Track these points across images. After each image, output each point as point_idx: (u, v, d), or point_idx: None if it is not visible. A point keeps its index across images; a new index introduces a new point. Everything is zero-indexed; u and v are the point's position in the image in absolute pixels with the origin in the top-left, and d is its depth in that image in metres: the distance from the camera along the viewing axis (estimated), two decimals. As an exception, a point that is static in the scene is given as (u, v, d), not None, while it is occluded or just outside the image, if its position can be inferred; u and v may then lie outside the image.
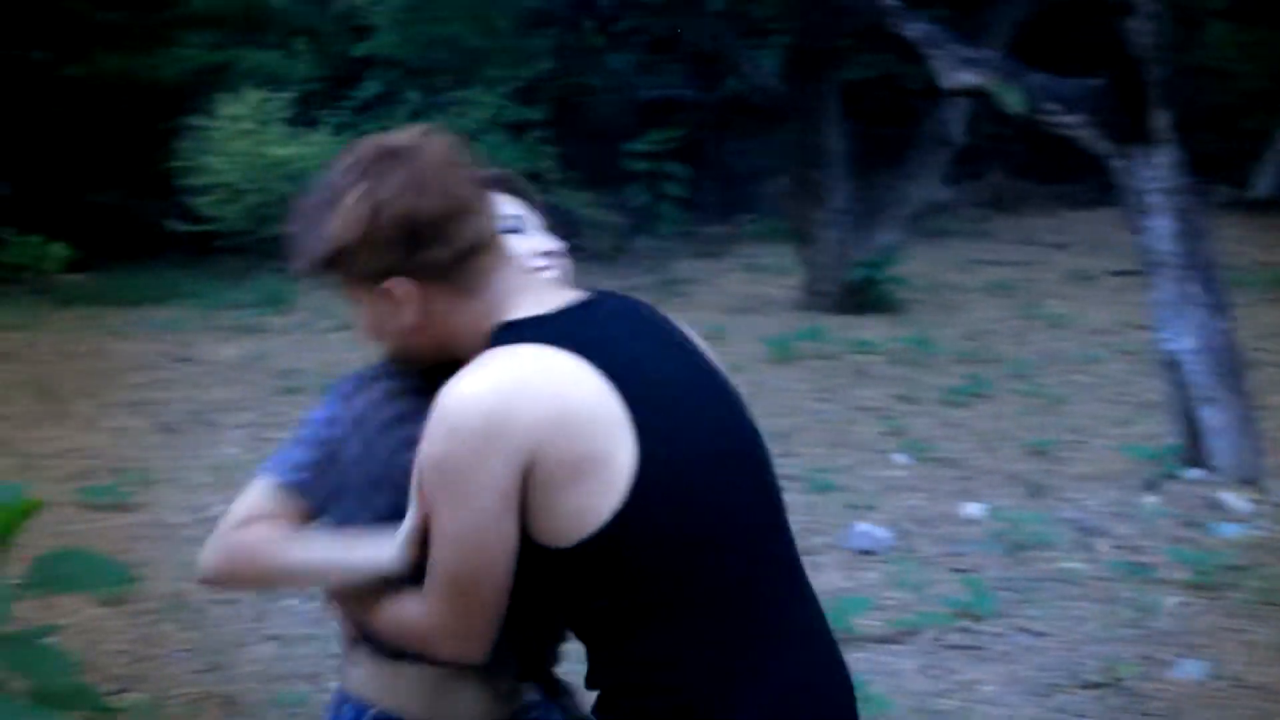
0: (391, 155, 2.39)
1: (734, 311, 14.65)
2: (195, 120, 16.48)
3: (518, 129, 17.94)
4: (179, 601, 6.76)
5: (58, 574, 5.08)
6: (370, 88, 18.59)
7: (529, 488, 2.26)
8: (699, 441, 2.38)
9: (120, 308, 14.73)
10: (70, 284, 16.11)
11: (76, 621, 6.31)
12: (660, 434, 2.30)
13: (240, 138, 16.30)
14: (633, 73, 20.23)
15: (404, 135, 2.45)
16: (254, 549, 2.56)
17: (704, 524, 2.35)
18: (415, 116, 17.99)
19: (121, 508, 8.32)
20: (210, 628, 6.55)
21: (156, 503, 8.46)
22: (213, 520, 7.85)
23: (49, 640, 5.11)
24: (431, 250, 2.36)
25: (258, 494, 2.61)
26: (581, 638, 2.45)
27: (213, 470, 9.03)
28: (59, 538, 6.82)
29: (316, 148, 16.27)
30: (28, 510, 5.42)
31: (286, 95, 16.75)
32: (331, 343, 13.09)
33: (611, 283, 15.56)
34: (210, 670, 6.06)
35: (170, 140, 16.52)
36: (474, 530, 2.29)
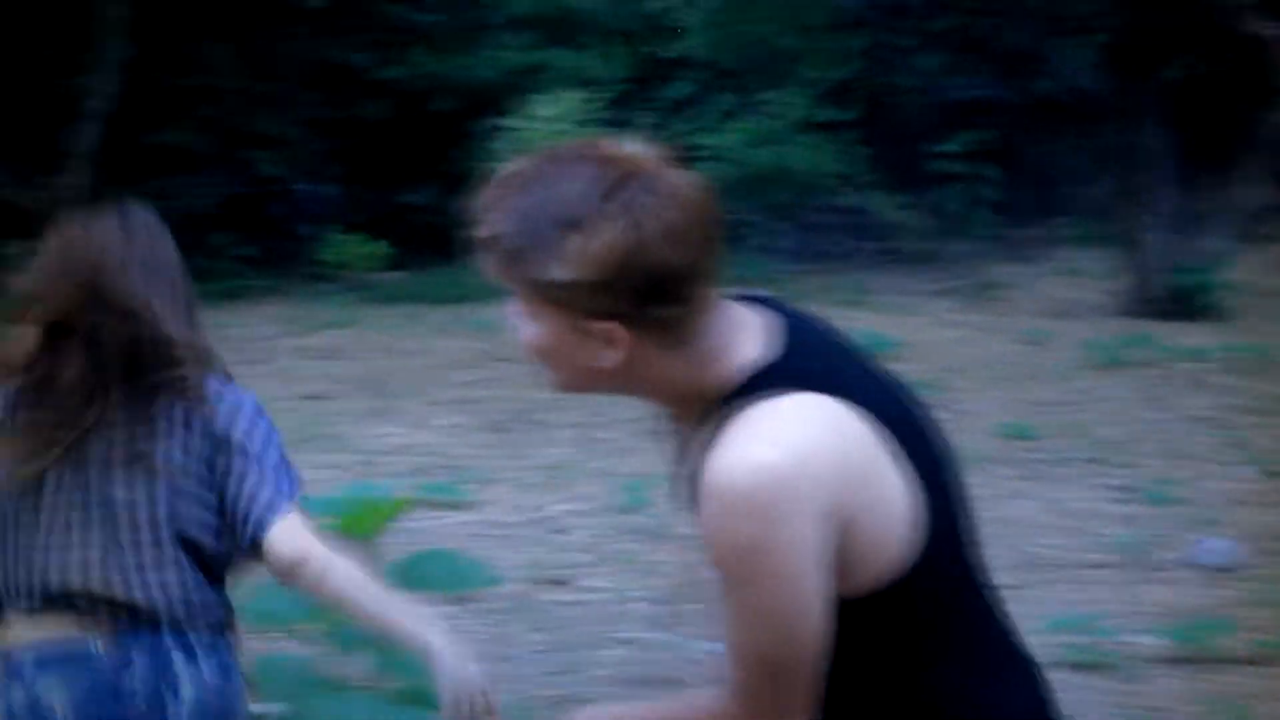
0: (650, 185, 2.13)
1: (1053, 316, 14.33)
2: (509, 121, 16.67)
3: (828, 130, 17.81)
4: (525, 602, 6.80)
5: (423, 574, 5.14)
6: (681, 89, 18.63)
7: (838, 546, 2.15)
8: (934, 458, 2.30)
9: (439, 306, 14.93)
10: (389, 282, 16.45)
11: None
12: (915, 461, 2.22)
13: (555, 139, 16.41)
14: (943, 73, 19.94)
15: (653, 159, 2.18)
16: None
17: (962, 544, 2.32)
18: (726, 117, 18.01)
19: (459, 506, 8.40)
20: (559, 629, 6.58)
21: (493, 501, 8.55)
22: (548, 520, 7.92)
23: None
24: (666, 307, 2.16)
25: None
26: (850, 680, 2.31)
27: (545, 470, 9.10)
28: (401, 536, 6.90)
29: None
30: (394, 510, 5.51)
31: (601, 96, 16.84)
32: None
33: (924, 287, 15.50)
34: (564, 672, 6.07)
35: (484, 141, 16.74)
36: (792, 607, 2.16)
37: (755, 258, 16.44)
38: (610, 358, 2.20)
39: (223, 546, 3.27)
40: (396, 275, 16.79)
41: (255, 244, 17.04)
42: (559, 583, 7.26)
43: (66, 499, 3.19)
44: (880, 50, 19.24)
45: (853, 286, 15.40)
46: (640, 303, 2.14)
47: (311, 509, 5.50)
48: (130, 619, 3.18)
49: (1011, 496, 8.53)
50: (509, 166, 2.22)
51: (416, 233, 17.40)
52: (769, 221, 17.45)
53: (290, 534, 3.16)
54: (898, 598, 2.21)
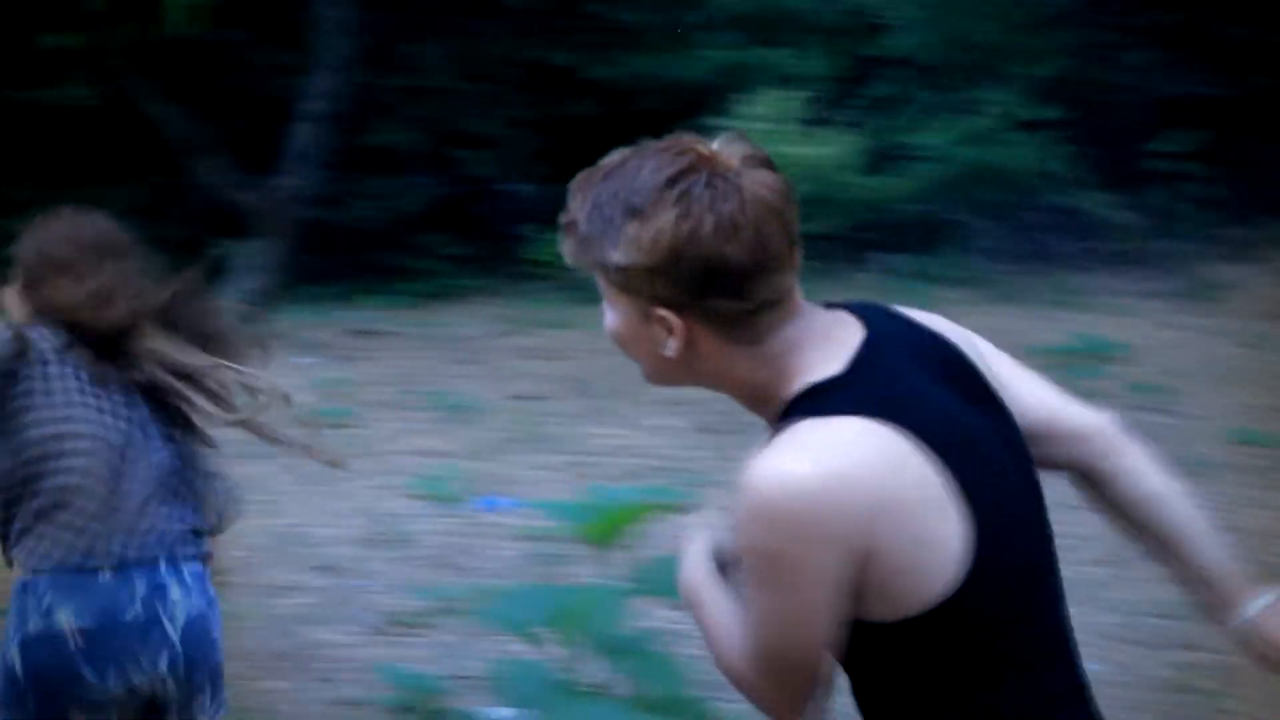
0: (718, 181, 2.19)
1: (1275, 318, 13.98)
2: (712, 120, 16.63)
3: (1036, 128, 17.58)
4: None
5: (665, 578, 5.11)
6: (886, 87, 18.49)
7: (860, 572, 2.16)
8: (1009, 495, 2.29)
9: (642, 305, 14.96)
10: (594, 281, 16.51)
11: (650, 624, 6.34)
12: (981, 499, 2.19)
13: (758, 138, 16.33)
14: (1154, 69, 19.58)
15: (735, 153, 2.24)
16: None
17: (1024, 581, 2.30)
18: (931, 115, 17.83)
19: (677, 508, 8.36)
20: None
21: (710, 505, 8.48)
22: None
23: (654, 646, 5.15)
24: (723, 301, 2.21)
25: None
26: (897, 703, 2.34)
27: (760, 473, 9.04)
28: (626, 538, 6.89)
29: (831, 147, 16.26)
30: (636, 513, 5.50)
31: (804, 95, 16.75)
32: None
33: (1134, 287, 15.18)
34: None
35: (691, 140, 16.76)
36: (801, 616, 2.21)
37: (961, 257, 16.29)
38: (672, 346, 2.27)
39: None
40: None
41: (463, 244, 17.21)
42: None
43: (111, 448, 3.72)
44: (1089, 47, 18.94)
45: (1060, 287, 15.18)
46: (694, 293, 2.21)
47: (551, 513, 5.52)
48: (138, 556, 3.71)
49: (1245, 505, 8.32)
50: (605, 158, 2.32)
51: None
52: (975, 220, 17.26)
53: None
54: (943, 622, 2.20)
